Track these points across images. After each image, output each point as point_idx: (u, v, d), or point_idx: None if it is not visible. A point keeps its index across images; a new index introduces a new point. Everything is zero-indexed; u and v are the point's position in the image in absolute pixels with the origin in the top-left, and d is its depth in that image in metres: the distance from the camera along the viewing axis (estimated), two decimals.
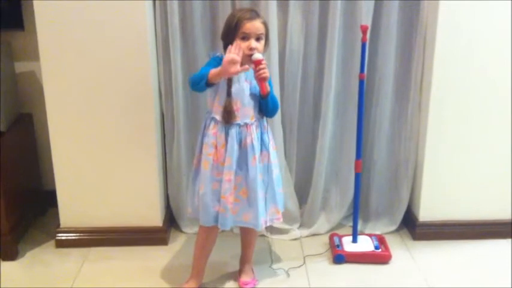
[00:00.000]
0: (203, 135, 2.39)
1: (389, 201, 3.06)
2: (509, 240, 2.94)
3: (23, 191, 2.97)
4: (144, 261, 2.76)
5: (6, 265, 2.74)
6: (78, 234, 2.89)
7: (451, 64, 2.71)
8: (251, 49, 2.23)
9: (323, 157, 2.94)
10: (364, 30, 2.57)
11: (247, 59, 2.24)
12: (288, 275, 2.66)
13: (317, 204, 3.02)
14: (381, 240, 2.85)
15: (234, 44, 2.19)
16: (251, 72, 2.29)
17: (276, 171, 2.44)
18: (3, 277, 2.64)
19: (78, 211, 2.87)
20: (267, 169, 2.39)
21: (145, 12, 2.61)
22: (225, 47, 2.32)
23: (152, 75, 2.71)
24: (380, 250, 2.77)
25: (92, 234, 2.89)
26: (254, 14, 2.28)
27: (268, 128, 2.42)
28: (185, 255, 2.76)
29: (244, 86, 2.32)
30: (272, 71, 2.70)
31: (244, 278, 2.59)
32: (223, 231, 2.59)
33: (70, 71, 2.66)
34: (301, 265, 2.74)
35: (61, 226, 2.90)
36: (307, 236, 3.00)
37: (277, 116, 2.81)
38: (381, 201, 3.07)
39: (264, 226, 2.43)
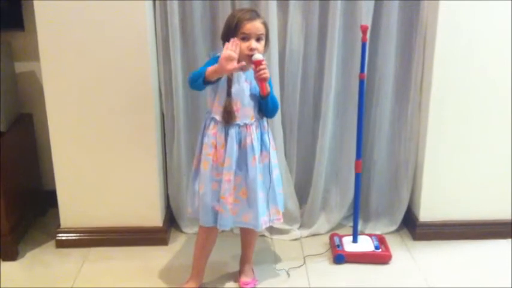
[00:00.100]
0: (203, 135, 2.38)
1: (389, 201, 3.06)
2: (509, 240, 2.94)
3: (23, 191, 2.97)
4: (144, 262, 2.76)
5: (7, 265, 2.74)
6: (78, 235, 2.89)
7: (451, 64, 2.71)
8: (251, 49, 2.22)
9: (323, 157, 2.94)
10: (364, 30, 2.57)
11: (248, 59, 2.24)
12: (288, 275, 2.66)
13: (317, 204, 3.02)
14: (381, 240, 2.85)
15: (231, 40, 2.18)
16: (251, 72, 2.28)
17: (276, 172, 2.43)
18: (4, 277, 2.64)
19: (78, 211, 2.87)
20: (267, 169, 2.39)
21: (145, 12, 2.61)
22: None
23: (152, 75, 2.71)
24: (380, 250, 2.77)
25: (92, 235, 2.89)
26: (254, 14, 2.28)
27: (268, 129, 2.42)
28: (185, 255, 2.76)
29: (244, 86, 2.31)
30: (272, 71, 2.70)
31: (245, 278, 2.59)
32: (223, 231, 2.59)
33: (70, 71, 2.66)
34: (302, 265, 2.74)
35: (61, 226, 2.90)
36: (307, 236, 3.00)
37: (277, 116, 2.81)
38: (381, 201, 3.07)
39: (264, 226, 2.43)
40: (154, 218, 2.89)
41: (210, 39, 2.84)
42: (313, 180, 2.98)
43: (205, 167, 2.36)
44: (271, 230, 2.94)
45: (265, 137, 2.39)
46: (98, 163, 2.79)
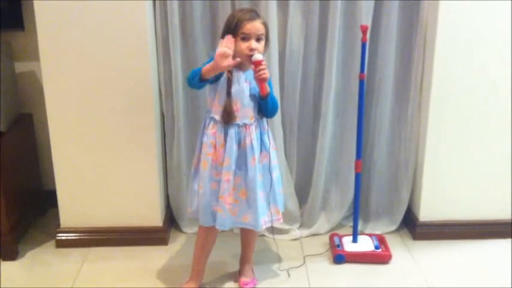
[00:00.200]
0: (202, 135, 2.38)
1: (389, 201, 3.06)
2: (509, 240, 2.94)
3: (23, 191, 2.97)
4: (144, 261, 2.76)
5: (7, 265, 2.74)
6: (78, 234, 2.89)
7: (451, 64, 2.71)
8: (251, 50, 2.22)
9: (323, 157, 2.94)
10: (364, 30, 2.57)
11: (248, 59, 2.24)
12: (289, 275, 2.66)
13: (317, 204, 3.02)
14: (381, 240, 2.85)
15: (226, 37, 2.17)
16: (251, 72, 2.28)
17: (276, 172, 2.43)
18: (4, 277, 2.64)
19: (78, 211, 2.87)
20: (267, 170, 2.39)
21: (146, 12, 2.61)
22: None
23: (152, 75, 2.71)
24: (380, 250, 2.77)
25: (92, 234, 2.89)
26: (254, 14, 2.28)
27: (268, 129, 2.41)
28: (185, 255, 2.76)
29: (244, 86, 2.31)
30: (272, 72, 2.70)
31: (244, 278, 2.59)
32: (223, 231, 2.59)
33: (70, 71, 2.66)
34: (301, 265, 2.74)
35: (61, 226, 2.90)
36: (307, 236, 3.00)
37: (277, 116, 2.81)
38: (381, 201, 3.07)
39: (264, 227, 2.43)
40: (154, 218, 2.89)
41: (210, 39, 2.84)
42: (313, 180, 2.99)
43: (205, 166, 2.36)
44: (271, 229, 2.93)
45: (265, 137, 2.39)
46: (98, 163, 2.79)
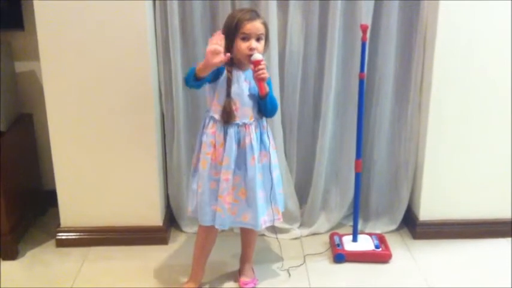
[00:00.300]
0: (202, 134, 2.39)
1: (389, 200, 3.06)
2: (509, 239, 2.94)
3: (23, 191, 2.97)
4: (144, 261, 2.76)
5: (7, 265, 2.74)
6: (78, 234, 2.90)
7: (451, 64, 2.71)
8: (251, 49, 2.22)
9: (323, 157, 2.94)
10: (364, 29, 2.57)
11: (247, 59, 2.24)
12: (289, 274, 2.67)
13: (317, 204, 3.02)
14: (381, 240, 2.86)
15: (215, 34, 2.16)
16: (250, 72, 2.28)
17: (276, 172, 2.43)
18: (4, 277, 2.64)
19: (78, 211, 2.87)
20: (267, 169, 2.39)
21: (146, 13, 2.61)
22: (225, 48, 2.32)
23: (152, 75, 2.71)
24: (380, 249, 2.78)
25: (92, 234, 2.89)
26: (254, 14, 2.28)
27: (268, 128, 2.42)
28: (185, 254, 2.76)
29: (243, 86, 2.31)
30: (272, 72, 2.70)
31: (244, 277, 2.59)
32: (223, 230, 2.59)
33: (70, 71, 2.66)
34: (302, 264, 2.74)
35: (61, 226, 2.90)
36: (307, 236, 3.00)
37: (277, 116, 2.81)
38: (381, 200, 3.07)
39: (263, 226, 2.43)
40: (155, 218, 2.89)
41: (211, 39, 2.83)
42: (313, 180, 2.99)
43: (204, 166, 2.36)
44: (271, 229, 2.94)
45: (265, 137, 2.39)
46: (98, 163, 2.80)
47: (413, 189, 3.01)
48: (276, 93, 2.72)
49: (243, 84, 2.32)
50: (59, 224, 2.90)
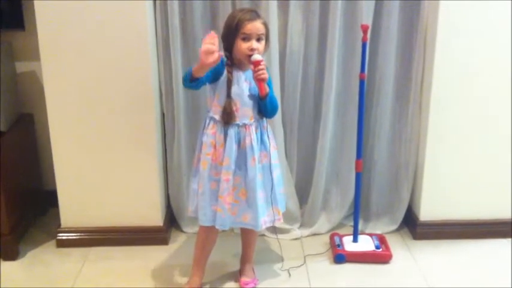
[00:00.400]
0: (202, 135, 2.39)
1: (389, 201, 3.06)
2: (509, 239, 2.94)
3: (23, 191, 2.97)
4: (145, 261, 2.76)
5: (7, 265, 2.74)
6: (78, 234, 2.90)
7: (452, 64, 2.71)
8: (252, 50, 2.22)
9: (324, 157, 2.94)
10: (364, 29, 2.57)
11: (248, 59, 2.24)
12: (289, 274, 2.67)
13: (318, 204, 3.02)
14: (381, 240, 2.86)
15: (208, 34, 2.12)
16: (251, 72, 2.28)
17: (276, 172, 2.43)
18: (4, 277, 2.64)
19: (78, 211, 2.87)
20: (267, 170, 2.39)
21: (146, 12, 2.61)
22: (225, 48, 2.32)
23: (152, 75, 2.72)
24: (381, 250, 2.78)
25: (93, 234, 2.89)
26: (254, 14, 2.28)
27: (268, 129, 2.42)
28: (185, 255, 2.76)
29: (243, 86, 2.31)
30: (272, 72, 2.70)
31: (245, 278, 2.59)
32: (223, 231, 2.59)
33: (71, 71, 2.66)
34: (302, 265, 2.74)
35: (62, 226, 2.90)
36: (307, 236, 3.00)
37: (278, 116, 2.81)
38: (381, 201, 3.07)
39: (264, 226, 2.43)
40: (155, 218, 2.89)
41: None
42: (314, 180, 2.99)
43: (204, 166, 2.36)
44: (272, 229, 2.94)
45: (265, 137, 2.39)
46: (99, 163, 2.80)
47: (413, 189, 3.01)
48: (277, 93, 2.72)
49: (243, 84, 2.31)
50: (59, 224, 2.90)
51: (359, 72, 2.64)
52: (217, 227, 2.40)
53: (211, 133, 2.35)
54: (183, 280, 2.58)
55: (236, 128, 2.33)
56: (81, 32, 2.60)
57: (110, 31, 2.61)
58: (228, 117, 2.30)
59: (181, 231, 3.04)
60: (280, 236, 2.94)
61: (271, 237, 2.95)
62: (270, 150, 2.40)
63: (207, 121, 2.37)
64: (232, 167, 2.33)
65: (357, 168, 2.76)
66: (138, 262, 2.76)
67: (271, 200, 2.41)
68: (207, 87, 2.36)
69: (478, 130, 2.82)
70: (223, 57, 2.30)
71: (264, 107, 2.34)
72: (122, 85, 2.68)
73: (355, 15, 2.77)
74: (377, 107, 2.93)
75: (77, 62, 2.65)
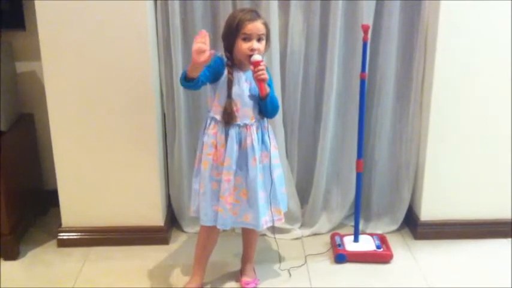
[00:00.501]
0: (203, 135, 2.39)
1: (390, 201, 3.06)
2: (510, 239, 2.94)
3: (24, 191, 2.98)
4: (146, 261, 2.76)
5: (8, 265, 2.74)
6: (79, 234, 2.90)
7: (452, 64, 2.71)
8: (252, 50, 2.22)
9: (324, 157, 2.94)
10: (365, 29, 2.57)
11: (248, 59, 2.24)
12: (290, 274, 2.67)
13: (318, 204, 3.02)
14: (382, 240, 2.86)
15: (199, 33, 2.12)
16: (251, 72, 2.28)
17: (277, 172, 2.43)
18: (5, 277, 2.64)
19: (79, 211, 2.87)
20: (268, 169, 2.39)
21: (147, 13, 2.61)
22: (226, 48, 2.32)
23: (153, 75, 2.72)
24: (381, 249, 2.78)
25: (94, 234, 2.89)
26: (255, 14, 2.28)
27: (269, 128, 2.42)
28: (186, 254, 2.76)
29: (244, 86, 2.31)
30: (273, 72, 2.70)
31: (246, 277, 2.59)
32: (224, 230, 2.59)
33: (71, 71, 2.66)
34: (303, 264, 2.74)
35: (62, 226, 2.90)
36: (308, 236, 3.01)
37: (279, 116, 2.81)
38: (382, 201, 3.07)
39: (265, 226, 2.43)
40: (156, 218, 2.89)
41: (211, 40, 2.80)
42: (315, 180, 2.99)
43: (205, 166, 2.37)
44: (273, 229, 2.93)
45: (266, 138, 2.39)
46: (100, 163, 2.80)
47: (414, 189, 3.01)
48: (277, 93, 2.72)
49: (243, 85, 2.32)
50: (60, 224, 2.90)
51: (360, 72, 2.64)
52: (218, 227, 2.40)
53: (212, 133, 2.35)
54: (184, 280, 2.58)
55: (237, 128, 2.33)
56: (81, 32, 2.60)
57: (110, 31, 2.61)
58: (228, 117, 2.30)
59: (182, 231, 3.04)
60: (281, 236, 2.95)
61: (272, 237, 2.94)
62: (270, 150, 2.39)
63: (208, 121, 2.37)
64: (233, 167, 2.33)
65: (357, 168, 2.76)
66: (139, 262, 2.76)
67: (270, 200, 2.41)
68: (208, 88, 2.37)
69: (478, 130, 2.82)
70: (224, 57, 2.31)
71: (264, 107, 2.34)
72: (123, 85, 2.68)
73: (355, 15, 2.77)
74: (378, 107, 2.93)
75: (77, 62, 2.65)
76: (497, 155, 2.86)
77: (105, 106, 2.71)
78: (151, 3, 2.71)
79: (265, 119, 2.40)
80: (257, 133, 2.36)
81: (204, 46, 2.08)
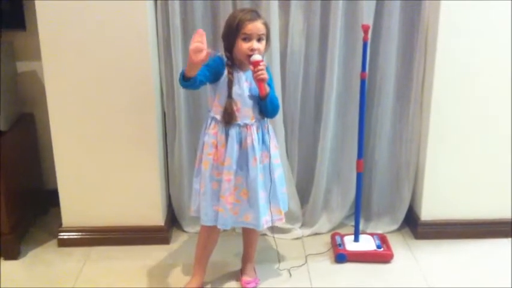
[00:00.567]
0: (204, 135, 2.39)
1: (391, 200, 3.06)
2: (510, 239, 2.94)
3: (24, 190, 2.98)
4: (146, 261, 2.76)
5: (8, 264, 2.74)
6: (80, 234, 2.90)
7: (453, 64, 2.71)
8: (252, 50, 2.22)
9: (324, 157, 2.94)
10: (365, 29, 2.57)
11: (248, 59, 2.24)
12: (290, 274, 2.67)
13: (319, 203, 3.02)
14: (382, 239, 2.86)
15: (196, 32, 2.10)
16: (251, 72, 2.28)
17: (278, 171, 2.44)
18: (5, 276, 2.64)
19: (80, 210, 2.87)
20: (268, 169, 2.39)
21: (147, 12, 2.61)
22: (226, 48, 2.32)
23: (153, 75, 2.72)
24: (382, 249, 2.78)
25: (94, 234, 2.89)
26: (255, 14, 2.28)
27: (270, 128, 2.42)
28: (187, 254, 2.76)
29: (244, 86, 2.31)
30: (274, 72, 2.70)
31: (246, 277, 2.59)
32: (225, 230, 2.59)
33: (72, 71, 2.66)
34: (303, 264, 2.74)
35: (63, 225, 2.90)
36: (308, 236, 3.01)
37: (279, 116, 2.81)
38: (382, 200, 3.07)
39: (265, 226, 2.43)
40: (156, 217, 2.89)
41: (211, 39, 2.83)
42: (315, 180, 2.99)
43: (206, 166, 2.37)
44: (273, 229, 2.93)
45: (266, 137, 2.39)
46: (100, 162, 2.80)
47: (414, 189, 3.01)
48: (278, 93, 2.72)
49: (243, 84, 2.32)
50: (60, 224, 2.90)
51: (360, 72, 2.64)
52: (219, 226, 2.40)
53: (212, 133, 2.35)
54: (184, 279, 2.58)
55: (237, 128, 2.33)
56: (82, 32, 2.61)
57: (110, 31, 2.61)
58: (229, 117, 2.30)
59: (183, 230, 3.04)
60: (281, 236, 2.95)
61: (272, 237, 2.94)
62: (271, 150, 2.40)
63: (209, 121, 2.37)
64: (234, 167, 2.33)
65: (358, 168, 2.76)
66: (140, 262, 2.76)
67: (273, 200, 2.42)
68: (208, 87, 2.37)
69: (478, 130, 2.82)
70: (224, 57, 2.31)
71: (264, 107, 2.34)
72: (123, 85, 2.69)
73: (356, 15, 2.77)
74: (378, 107, 2.93)
75: (78, 61, 2.65)
76: (497, 155, 2.86)
77: (106, 106, 2.71)
78: (152, 3, 2.71)
79: (266, 118, 2.40)
80: (257, 133, 2.36)
81: (201, 45, 2.07)
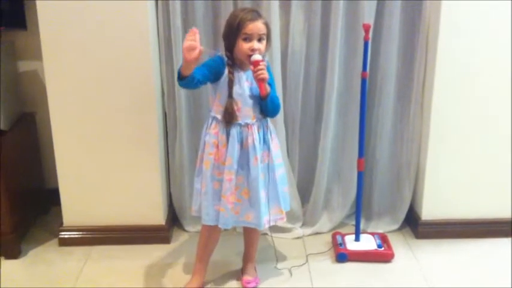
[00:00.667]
0: (205, 134, 2.39)
1: (391, 200, 3.06)
2: (510, 239, 2.95)
3: (25, 190, 2.98)
4: (147, 260, 2.77)
5: (9, 264, 2.75)
6: (81, 233, 2.90)
7: (453, 64, 2.72)
8: (253, 50, 2.22)
9: (325, 157, 2.94)
10: (366, 28, 2.57)
11: (248, 59, 2.24)
12: (291, 273, 2.67)
13: (319, 203, 3.03)
14: (383, 239, 2.86)
15: (189, 31, 2.11)
16: (252, 72, 2.28)
17: (279, 171, 2.43)
18: (6, 276, 2.64)
19: (81, 209, 2.87)
20: (269, 169, 2.39)
21: (148, 12, 2.62)
22: (226, 48, 2.32)
23: (154, 74, 2.72)
24: (383, 249, 2.78)
25: (95, 233, 2.90)
26: (256, 14, 2.27)
27: (271, 128, 2.42)
28: (188, 253, 2.77)
29: (245, 86, 2.31)
30: (274, 71, 2.70)
31: (247, 276, 2.59)
32: (225, 230, 2.59)
33: (72, 71, 2.67)
34: (304, 264, 2.74)
35: (64, 224, 2.90)
36: (309, 235, 3.01)
37: (280, 116, 2.81)
38: (383, 200, 3.07)
39: (266, 226, 2.43)
40: (157, 217, 2.90)
41: (212, 39, 2.84)
42: (316, 179, 2.99)
43: (207, 166, 2.37)
44: (274, 228, 2.93)
45: (268, 137, 2.39)
46: (101, 162, 2.80)
47: (415, 189, 3.01)
48: (279, 93, 2.72)
49: (244, 84, 2.32)
50: (61, 223, 2.91)
51: (361, 72, 2.64)
52: (220, 226, 2.40)
53: (213, 133, 2.35)
54: (185, 279, 2.58)
55: (238, 127, 2.33)
56: (83, 31, 2.61)
57: (111, 31, 2.61)
58: (229, 117, 2.30)
59: (183, 230, 3.04)
60: (282, 235, 2.95)
61: (273, 236, 2.94)
62: (272, 150, 2.40)
63: (210, 121, 2.38)
64: (235, 166, 2.34)
65: (358, 167, 2.76)
66: (140, 261, 2.76)
67: (274, 199, 2.42)
68: (209, 87, 2.37)
69: (479, 130, 2.82)
70: (224, 57, 2.31)
71: (265, 106, 2.34)
72: (124, 85, 2.69)
73: (357, 15, 2.77)
74: (379, 106, 2.94)
75: (79, 61, 2.65)
76: (498, 155, 2.86)
77: (106, 105, 2.71)
78: (153, 3, 2.71)
79: (267, 118, 2.40)
80: (258, 132, 2.36)
81: (194, 43, 2.07)
